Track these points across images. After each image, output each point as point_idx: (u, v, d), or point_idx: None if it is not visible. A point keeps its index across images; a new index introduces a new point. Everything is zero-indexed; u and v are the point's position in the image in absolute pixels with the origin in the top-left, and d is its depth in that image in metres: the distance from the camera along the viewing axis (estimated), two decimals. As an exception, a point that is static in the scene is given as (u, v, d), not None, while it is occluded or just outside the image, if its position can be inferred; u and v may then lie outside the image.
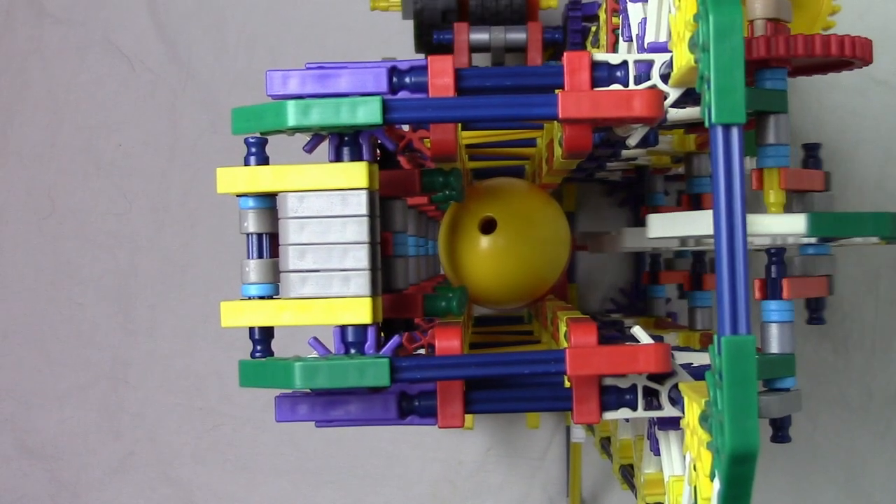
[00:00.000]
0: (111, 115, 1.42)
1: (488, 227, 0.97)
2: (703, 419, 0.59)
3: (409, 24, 1.22)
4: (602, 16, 0.94)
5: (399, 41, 1.27)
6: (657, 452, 0.78)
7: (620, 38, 0.84)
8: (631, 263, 1.37)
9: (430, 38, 1.19)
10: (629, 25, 0.80)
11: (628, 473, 0.95)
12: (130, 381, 1.42)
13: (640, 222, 1.24)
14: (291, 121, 0.66)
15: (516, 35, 1.18)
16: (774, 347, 0.77)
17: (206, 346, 1.41)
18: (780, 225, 0.71)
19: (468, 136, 1.10)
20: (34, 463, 1.42)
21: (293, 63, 1.35)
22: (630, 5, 0.79)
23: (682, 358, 0.75)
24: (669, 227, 0.75)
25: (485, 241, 0.96)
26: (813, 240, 0.81)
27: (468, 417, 1.28)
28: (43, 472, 1.42)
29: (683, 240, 0.94)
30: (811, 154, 0.92)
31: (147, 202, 1.42)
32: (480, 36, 1.18)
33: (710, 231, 0.64)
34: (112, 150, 1.42)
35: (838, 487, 1.36)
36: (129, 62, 1.42)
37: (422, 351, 0.91)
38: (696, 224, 0.71)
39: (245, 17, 1.41)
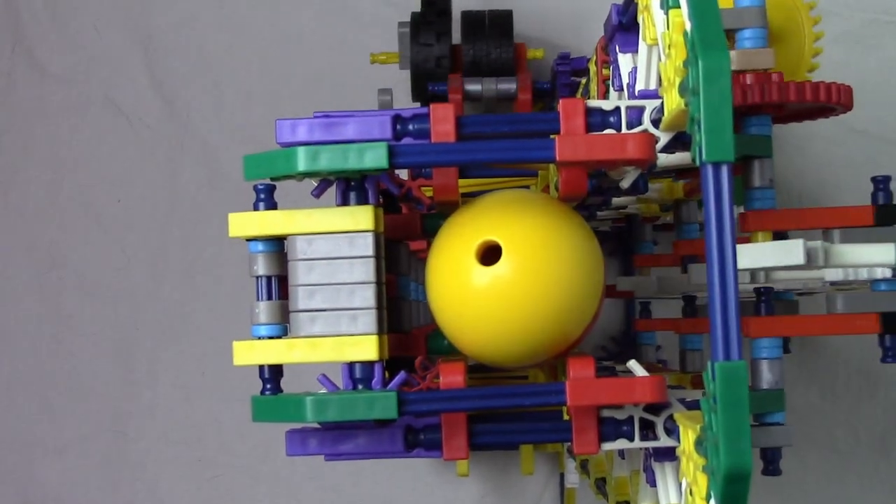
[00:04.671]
0: (111, 171, 1.45)
1: (490, 256, 0.73)
2: (699, 444, 0.62)
3: (405, 76, 1.26)
4: (592, 68, 0.97)
5: (395, 93, 1.30)
6: (653, 484, 0.81)
7: (611, 88, 0.88)
8: (622, 311, 1.40)
9: (426, 86, 1.23)
10: (619, 75, 0.84)
11: (624, 509, 0.97)
12: (130, 433, 1.43)
13: (630, 271, 1.28)
14: (301, 166, 0.69)
15: (507, 86, 1.22)
16: (764, 383, 0.79)
17: (204, 398, 1.42)
18: (871, 255, 0.74)
19: (463, 185, 1.12)
20: (35, 516, 1.44)
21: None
22: (620, 56, 0.83)
23: (675, 395, 0.78)
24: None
25: (485, 277, 0.72)
26: (888, 274, 0.81)
27: (463, 464, 1.31)
28: (44, 524, 1.44)
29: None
30: (880, 187, 0.84)
31: (146, 256, 1.44)
32: (473, 87, 1.22)
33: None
34: (111, 205, 1.45)
35: (829, 530, 1.39)
36: (127, 119, 1.45)
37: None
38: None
39: (242, 74, 1.44)
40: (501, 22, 1.26)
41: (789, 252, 0.72)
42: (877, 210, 0.81)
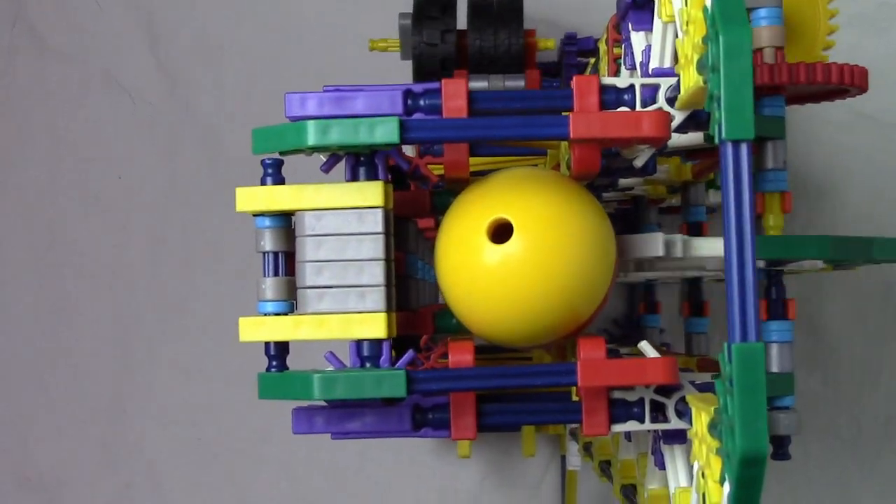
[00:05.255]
0: (111, 148, 1.44)
1: (501, 233, 0.72)
2: (713, 427, 0.61)
3: (408, 64, 1.24)
4: (603, 46, 0.96)
5: (397, 78, 1.29)
6: (662, 467, 0.80)
7: (623, 67, 0.87)
8: (625, 294, 1.39)
9: (429, 78, 1.20)
10: (632, 54, 0.83)
11: (630, 493, 0.96)
12: (128, 414, 1.42)
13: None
14: (311, 140, 0.68)
15: (514, 83, 1.19)
16: (774, 367, 0.79)
17: (203, 380, 1.41)
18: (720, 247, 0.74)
19: (472, 164, 1.10)
20: (33, 496, 1.42)
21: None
22: (633, 34, 0.82)
23: (683, 377, 0.77)
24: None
25: (495, 255, 0.71)
26: (760, 264, 0.80)
27: (464, 445, 1.30)
28: None
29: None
30: None
31: (145, 235, 1.43)
32: (479, 84, 1.19)
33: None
34: (112, 183, 1.43)
35: (830, 517, 1.38)
36: (129, 96, 1.44)
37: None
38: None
39: (244, 53, 1.43)
40: (511, 8, 1.22)
41: (649, 244, 0.77)
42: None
